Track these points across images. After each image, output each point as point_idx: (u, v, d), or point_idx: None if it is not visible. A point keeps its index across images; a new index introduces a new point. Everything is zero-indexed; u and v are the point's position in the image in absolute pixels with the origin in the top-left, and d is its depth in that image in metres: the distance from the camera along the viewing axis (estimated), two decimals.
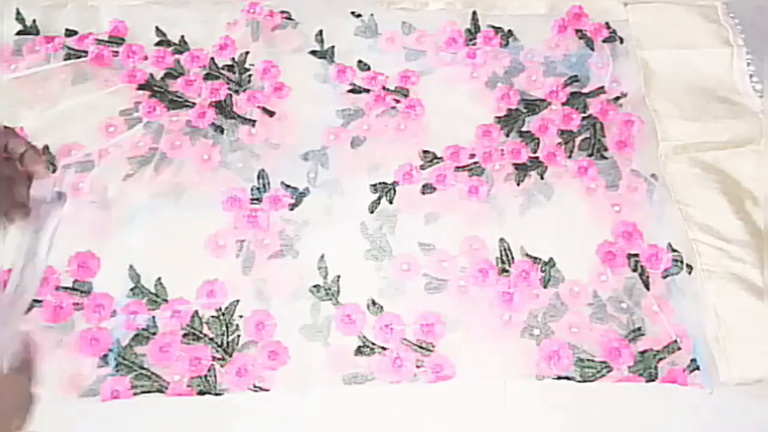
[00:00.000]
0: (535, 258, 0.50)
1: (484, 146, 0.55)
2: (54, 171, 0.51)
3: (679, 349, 0.47)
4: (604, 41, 0.60)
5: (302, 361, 0.46)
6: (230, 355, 0.46)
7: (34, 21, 0.58)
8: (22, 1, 0.58)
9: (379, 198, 0.52)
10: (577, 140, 0.55)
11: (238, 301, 0.47)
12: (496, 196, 0.53)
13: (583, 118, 0.56)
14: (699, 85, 0.58)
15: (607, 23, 0.61)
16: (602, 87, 0.58)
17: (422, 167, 0.54)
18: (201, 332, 0.46)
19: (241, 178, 0.52)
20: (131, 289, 0.48)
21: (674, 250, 0.51)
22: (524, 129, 0.56)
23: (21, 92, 0.55)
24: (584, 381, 0.46)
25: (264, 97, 0.56)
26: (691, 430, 0.45)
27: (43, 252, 0.36)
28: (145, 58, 0.57)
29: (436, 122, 0.56)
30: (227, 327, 0.46)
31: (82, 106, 0.54)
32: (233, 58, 0.58)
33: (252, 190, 0.52)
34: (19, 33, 0.57)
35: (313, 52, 0.58)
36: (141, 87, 0.55)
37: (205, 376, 0.45)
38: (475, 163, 0.54)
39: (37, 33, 0.57)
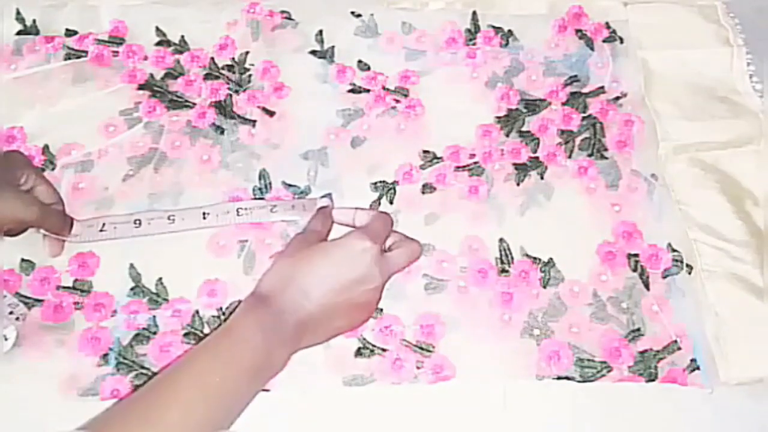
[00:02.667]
0: (535, 258, 0.50)
1: (484, 146, 0.55)
2: (54, 170, 0.52)
3: (679, 349, 0.47)
4: (604, 41, 0.60)
5: (302, 361, 0.45)
6: None
7: (34, 21, 0.58)
8: (22, 1, 0.58)
9: (380, 197, 0.52)
10: (577, 140, 0.55)
11: (239, 301, 0.47)
12: (496, 196, 0.53)
13: (583, 118, 0.56)
14: (699, 85, 0.58)
15: (607, 23, 0.61)
16: (602, 87, 0.58)
17: (422, 167, 0.54)
18: (202, 332, 0.47)
19: (242, 178, 0.52)
20: (132, 289, 0.48)
21: (674, 250, 0.51)
22: (524, 129, 0.56)
23: (21, 92, 0.55)
24: (584, 381, 0.46)
25: (264, 97, 0.56)
26: (691, 430, 0.45)
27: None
28: (145, 58, 0.57)
29: (436, 122, 0.56)
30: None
31: (82, 106, 0.54)
32: (233, 58, 0.58)
33: (254, 190, 0.52)
34: (19, 33, 0.57)
35: (313, 52, 0.58)
36: (141, 87, 0.56)
37: None
38: (475, 163, 0.54)
39: (37, 33, 0.57)
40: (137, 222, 0.48)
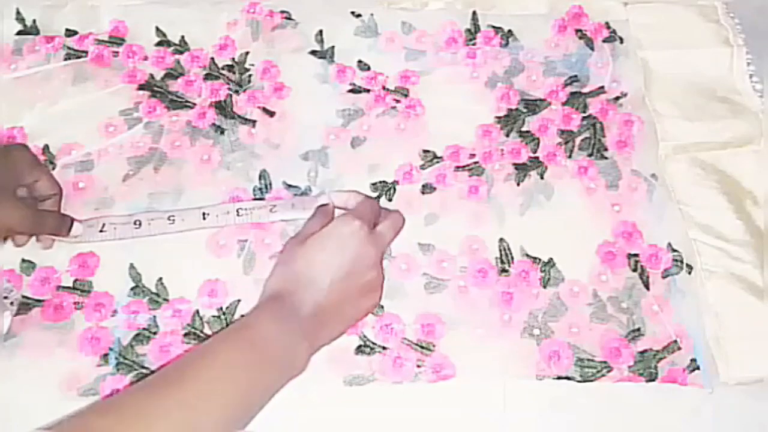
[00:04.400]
0: (535, 258, 0.50)
1: (484, 146, 0.55)
2: (54, 170, 0.52)
3: (679, 349, 0.47)
4: (604, 41, 0.60)
5: None
6: None
7: (34, 21, 0.58)
8: (22, 1, 0.58)
9: (379, 197, 0.52)
10: (577, 140, 0.55)
11: (239, 300, 0.48)
12: (496, 196, 0.53)
13: (583, 118, 0.56)
14: (699, 85, 0.58)
15: (607, 23, 0.61)
16: (602, 87, 0.58)
17: (422, 167, 0.54)
18: (202, 332, 0.47)
19: (242, 178, 0.52)
20: (132, 289, 0.48)
21: (674, 250, 0.51)
22: (524, 129, 0.56)
23: (21, 92, 0.55)
24: (584, 381, 0.46)
25: (264, 97, 0.56)
26: (691, 430, 0.45)
27: None
28: (146, 58, 0.57)
29: (436, 122, 0.56)
30: (228, 326, 0.46)
31: (82, 106, 0.54)
32: (233, 58, 0.58)
33: (254, 190, 0.52)
34: (19, 33, 0.57)
35: (313, 52, 0.58)
36: (141, 87, 0.56)
37: None
38: (475, 162, 0.54)
39: (37, 33, 0.57)
40: (137, 223, 0.49)
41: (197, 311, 0.47)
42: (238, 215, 0.49)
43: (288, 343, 0.39)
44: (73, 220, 0.48)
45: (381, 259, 0.44)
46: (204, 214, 0.49)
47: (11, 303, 0.46)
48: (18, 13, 0.58)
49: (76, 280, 0.48)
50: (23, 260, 0.48)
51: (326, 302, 0.41)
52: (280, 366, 0.39)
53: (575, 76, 0.58)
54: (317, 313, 0.41)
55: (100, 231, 0.48)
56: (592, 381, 0.46)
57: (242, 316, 0.45)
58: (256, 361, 0.37)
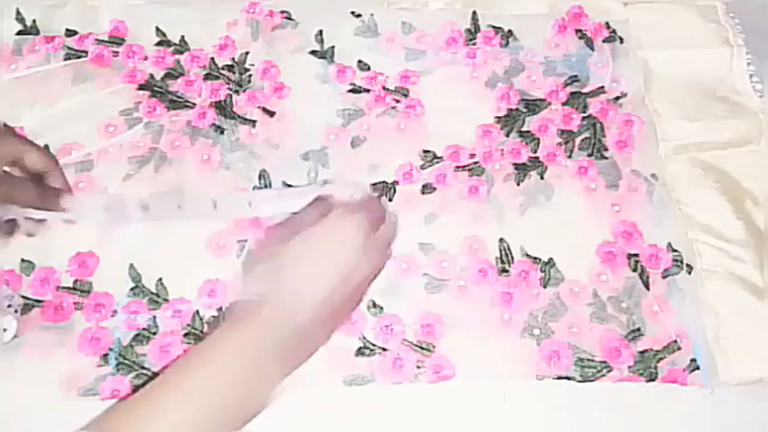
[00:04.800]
0: (535, 258, 0.50)
1: (484, 146, 0.55)
2: None
3: (679, 349, 0.47)
4: (604, 41, 0.60)
5: None
6: None
7: (34, 21, 0.58)
8: (22, 1, 0.58)
9: (379, 197, 0.52)
10: (577, 140, 0.55)
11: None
12: (496, 196, 0.53)
13: (583, 118, 0.56)
14: (699, 85, 0.58)
15: (607, 23, 0.61)
16: (602, 87, 0.58)
17: (422, 167, 0.54)
18: (202, 332, 0.47)
19: (242, 178, 0.52)
20: (132, 289, 0.48)
21: (674, 250, 0.51)
22: (524, 129, 0.56)
23: (21, 92, 0.55)
24: (584, 381, 0.46)
25: (264, 97, 0.56)
26: (691, 430, 0.45)
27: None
28: (146, 58, 0.57)
29: (437, 122, 0.56)
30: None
31: (82, 106, 0.54)
32: (233, 58, 0.58)
33: (254, 190, 0.52)
34: (19, 33, 0.57)
35: (313, 52, 0.58)
36: (141, 87, 0.56)
37: None
38: (475, 162, 0.54)
39: (37, 33, 0.57)
40: (146, 207, 0.45)
41: (197, 311, 0.47)
42: (249, 206, 0.47)
43: (250, 376, 0.34)
44: (62, 191, 0.44)
45: (374, 275, 0.39)
46: (215, 203, 0.47)
47: (15, 311, 0.46)
48: (18, 13, 0.58)
49: (75, 281, 0.48)
50: (23, 260, 0.48)
51: (309, 320, 0.36)
52: (238, 401, 0.34)
53: (575, 76, 0.58)
54: (297, 331, 0.35)
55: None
56: (592, 381, 0.46)
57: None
58: (213, 394, 0.33)
